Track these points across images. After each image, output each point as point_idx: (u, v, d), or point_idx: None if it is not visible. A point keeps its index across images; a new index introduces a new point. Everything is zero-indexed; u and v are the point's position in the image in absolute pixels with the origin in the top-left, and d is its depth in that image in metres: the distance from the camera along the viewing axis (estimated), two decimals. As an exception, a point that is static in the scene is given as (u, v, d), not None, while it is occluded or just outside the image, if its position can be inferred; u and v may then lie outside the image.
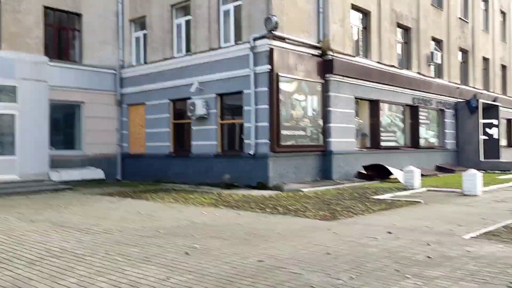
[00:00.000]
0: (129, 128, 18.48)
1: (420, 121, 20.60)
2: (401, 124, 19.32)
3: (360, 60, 17.17)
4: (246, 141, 14.51)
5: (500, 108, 25.40)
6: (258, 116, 14.13)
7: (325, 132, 15.76)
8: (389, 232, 7.00)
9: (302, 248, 6.05)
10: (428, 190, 13.53)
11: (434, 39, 22.09)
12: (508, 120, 29.28)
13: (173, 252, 5.90)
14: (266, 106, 14.00)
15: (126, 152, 18.49)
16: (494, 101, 25.33)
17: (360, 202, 10.67)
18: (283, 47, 14.32)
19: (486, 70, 27.48)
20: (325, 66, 15.69)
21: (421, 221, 8.04)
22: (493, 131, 24.48)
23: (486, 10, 27.62)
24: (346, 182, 15.51)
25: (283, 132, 14.16)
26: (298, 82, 14.78)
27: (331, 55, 15.68)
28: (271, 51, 13.91)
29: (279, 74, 14.04)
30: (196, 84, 15.44)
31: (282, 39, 14.28)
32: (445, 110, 22.75)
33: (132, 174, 17.80)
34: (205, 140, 15.57)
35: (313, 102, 15.38)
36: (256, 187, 13.97)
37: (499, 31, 29.23)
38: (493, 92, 27.45)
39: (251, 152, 14.15)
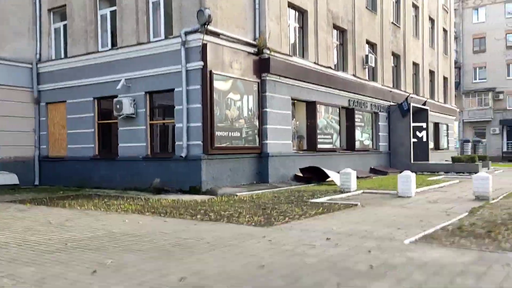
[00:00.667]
0: (48, 129, 16.81)
1: (356, 123, 20.70)
2: (337, 127, 19.24)
3: (297, 60, 16.83)
4: (177, 142, 13.57)
5: (429, 112, 26.31)
6: (190, 116, 13.25)
7: (262, 133, 15.19)
8: (328, 239, 6.44)
9: (233, 260, 5.30)
10: (364, 192, 13.34)
11: (368, 42, 22.37)
12: (436, 124, 30.51)
13: (77, 271, 4.91)
14: (199, 106, 13.17)
15: (45, 155, 16.80)
16: (423, 105, 26.20)
17: (297, 206, 10.14)
18: (217, 43, 13.57)
19: (416, 74, 28.45)
20: (262, 65, 15.14)
21: (360, 225, 7.60)
22: (423, 134, 25.28)
23: (416, 16, 28.62)
24: (282, 185, 15.03)
25: (217, 133, 13.39)
26: (233, 81, 14.09)
27: (268, 54, 15.16)
28: (204, 46, 13.11)
29: (213, 71, 13.26)
30: (123, 81, 14.26)
31: (216, 34, 13.52)
32: (379, 113, 23.12)
33: (52, 179, 16.17)
34: (133, 142, 14.43)
35: (249, 102, 14.76)
36: (188, 191, 13.08)
37: (428, 37, 30.43)
38: (423, 96, 28.46)
39: (183, 154, 13.23)
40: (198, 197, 12.05)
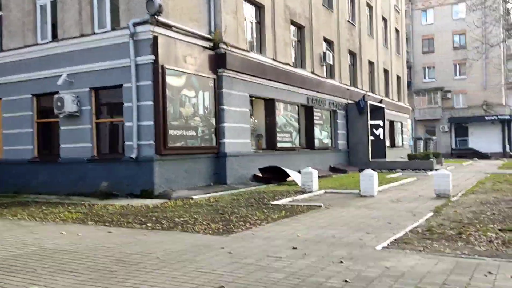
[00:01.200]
0: (-18, 129, 15.23)
1: (315, 121, 20.32)
2: (296, 125, 18.76)
3: (255, 56, 16.16)
4: (127, 142, 12.54)
5: (385, 110, 26.46)
6: (141, 114, 12.26)
7: (219, 132, 14.41)
8: (294, 247, 5.78)
9: (186, 280, 4.52)
10: (326, 192, 12.88)
11: (326, 39, 22.08)
12: (391, 122, 30.84)
13: (-8, 302, 3.97)
14: (150, 103, 12.21)
15: (-22, 159, 15.22)
16: (380, 103, 26.31)
17: (258, 209, 9.45)
18: (169, 36, 12.65)
19: (371, 73, 28.57)
20: (218, 60, 14.35)
21: (327, 230, 7.01)
22: (380, 132, 25.36)
23: (370, 16, 28.76)
24: (241, 186, 14.31)
25: (171, 132, 12.48)
26: (188, 77, 13.22)
27: (224, 49, 14.40)
28: (155, 39, 12.16)
29: (165, 66, 12.33)
30: (65, 76, 13.04)
31: (168, 26, 12.60)
32: (337, 111, 22.90)
33: (-13, 184, 14.63)
34: (77, 142, 13.23)
35: (205, 99, 13.93)
36: (139, 195, 12.09)
37: (382, 37, 30.70)
38: (378, 94, 28.63)
39: (133, 155, 12.22)
40: (150, 202, 11.11)
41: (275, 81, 17.13)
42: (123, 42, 12.35)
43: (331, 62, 21.68)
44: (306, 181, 12.90)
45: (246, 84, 15.58)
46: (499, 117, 44.28)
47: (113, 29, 12.98)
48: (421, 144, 39.50)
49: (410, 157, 22.70)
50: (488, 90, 45.77)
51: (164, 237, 6.82)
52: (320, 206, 9.75)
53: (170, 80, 12.50)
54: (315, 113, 20.31)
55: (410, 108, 38.61)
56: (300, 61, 19.93)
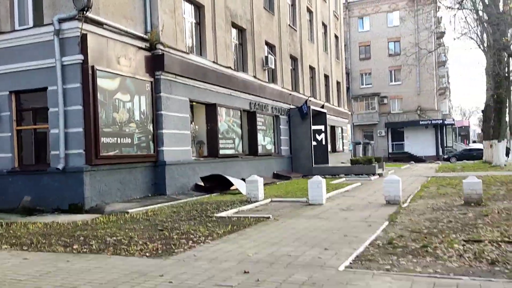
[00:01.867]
0: None
1: (258, 127, 19.76)
2: (239, 131, 18.07)
3: (195, 58, 15.29)
4: (53, 152, 11.20)
5: (327, 115, 26.50)
6: (69, 120, 11.01)
7: (157, 139, 13.38)
8: (246, 272, 5.02)
9: (115, 324, 3.61)
10: (273, 201, 12.26)
11: (267, 43, 21.65)
12: (332, 127, 31.05)
13: None
14: (79, 107, 11.00)
15: None
16: (321, 108, 26.31)
17: (201, 223, 8.61)
18: (100, 34, 11.51)
19: (312, 78, 28.61)
20: (155, 62, 13.35)
21: (280, 247, 6.32)
22: (322, 137, 25.31)
23: (311, 21, 28.83)
24: (182, 197, 13.36)
25: (104, 139, 11.31)
26: (122, 79, 12.11)
27: (162, 50, 13.42)
28: (84, 37, 10.98)
29: (96, 67, 11.18)
30: (-22, 77, 11.48)
31: (99, 24, 11.46)
32: (280, 116, 22.51)
33: None
34: (-6, 153, 11.67)
35: (141, 104, 12.86)
36: (67, 211, 10.83)
37: (322, 42, 30.92)
38: (319, 100, 28.70)
39: (60, 166, 10.93)
40: (80, 218, 9.89)
41: (216, 85, 16.36)
42: (48, 40, 11.07)
43: (273, 67, 21.27)
44: (251, 190, 12.20)
45: (186, 88, 14.67)
46: (433, 121, 46.37)
47: (36, 25, 11.62)
48: (360, 148, 40.40)
49: (352, 162, 22.79)
50: (421, 95, 47.85)
51: (91, 263, 5.80)
52: (268, 218, 9.08)
53: (101, 82, 11.34)
54: (258, 119, 19.76)
55: (350, 113, 39.32)
56: (242, 65, 19.31)
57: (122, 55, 12.18)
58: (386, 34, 49.70)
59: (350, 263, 5.32)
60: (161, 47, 13.38)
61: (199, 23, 16.19)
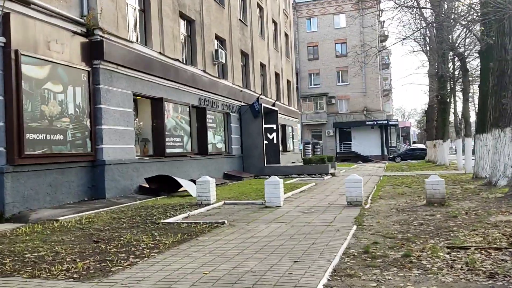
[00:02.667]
0: None
1: (208, 124, 18.60)
2: (188, 128, 16.83)
3: (139, 47, 13.93)
4: (-33, 150, 9.50)
5: (278, 113, 25.80)
6: (-13, 112, 9.37)
7: (95, 136, 11.92)
8: (202, 298, 3.96)
9: None
10: (226, 204, 11.22)
11: (217, 37, 20.57)
12: (282, 126, 30.43)
13: None
14: (0, 98, 9.39)
15: None
16: (273, 106, 25.57)
17: (146, 232, 7.41)
18: (27, 15, 9.95)
19: (263, 75, 27.83)
20: (93, 49, 11.90)
21: (241, 260, 5.29)
22: (273, 136, 24.57)
23: (261, 17, 28.06)
24: (125, 200, 11.99)
25: (29, 136, 9.75)
26: (53, 67, 10.58)
27: (100, 36, 11.98)
28: (6, 16, 9.41)
29: (21, 52, 9.62)
30: None
31: (25, 2, 9.89)
32: (231, 113, 21.48)
33: None
34: None
35: (76, 96, 11.36)
36: (-16, 219, 9.17)
37: (272, 40, 30.24)
38: (271, 98, 27.98)
39: (-25, 166, 9.26)
40: (-2, 228, 8.35)
41: (163, 78, 15.07)
42: (-41, 17, 9.36)
43: (223, 61, 20.20)
44: (202, 192, 11.08)
45: (129, 80, 13.29)
46: (378, 122, 47.16)
47: None
48: (309, 148, 40.19)
49: (305, 161, 22.19)
50: (367, 96, 48.60)
51: (0, 290, 4.49)
52: (223, 223, 8.03)
53: (27, 70, 9.78)
54: (208, 116, 18.61)
55: (300, 112, 39.02)
56: (191, 58, 18.10)
57: (53, 39, 10.65)
58: (333, 36, 50.08)
59: (328, 279, 4.41)
60: (100, 33, 11.93)
61: (144, 10, 14.83)
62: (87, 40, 11.82)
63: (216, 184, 16.47)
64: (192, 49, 18.16)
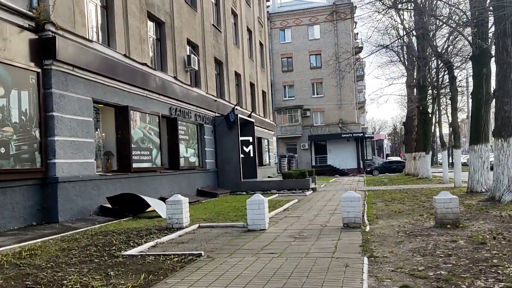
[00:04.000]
0: None
1: (180, 136, 16.93)
2: (157, 140, 15.13)
3: (101, 48, 12.25)
4: None
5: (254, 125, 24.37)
6: None
7: (46, 149, 10.13)
8: None
9: None
10: (201, 227, 9.60)
11: (190, 42, 19.05)
12: (258, 139, 29.00)
13: None
14: None
15: None
16: (249, 117, 24.12)
17: (99, 270, 5.74)
18: (-43, 0, 8.18)
19: (238, 85, 26.41)
20: (44, 48, 10.17)
21: (228, 320, 3.72)
22: (250, 149, 23.08)
23: (236, 24, 26.75)
24: (81, 224, 10.19)
25: (-41, 148, 7.92)
26: (-8, 66, 8.81)
27: (53, 32, 10.28)
28: None
29: (-51, 45, 7.83)
30: None
31: (-45, -15, 8.14)
32: (204, 125, 19.89)
33: None
34: None
35: (22, 101, 9.59)
36: None
37: (247, 48, 28.95)
38: (246, 109, 26.54)
39: None
40: None
41: (129, 84, 13.41)
42: None
43: (196, 68, 18.66)
44: (173, 213, 9.42)
45: (88, 85, 11.57)
46: (354, 135, 46.39)
47: None
48: (285, 161, 38.84)
49: (284, 175, 20.75)
50: (342, 109, 47.87)
51: None
52: (199, 256, 6.43)
53: (-43, 67, 7.99)
54: (179, 127, 16.96)
55: (275, 124, 37.73)
56: (161, 63, 16.49)
57: (-7, 33, 8.90)
58: (308, 47, 49.35)
59: None
60: (52, 28, 10.22)
61: (106, 7, 13.18)
62: (37, 37, 10.10)
63: (190, 202, 14.85)
64: (162, 53, 16.56)
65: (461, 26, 16.11)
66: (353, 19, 51.32)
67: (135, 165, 13.34)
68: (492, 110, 15.55)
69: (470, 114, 15.86)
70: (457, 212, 8.26)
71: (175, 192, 15.90)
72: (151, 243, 7.57)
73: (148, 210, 11.86)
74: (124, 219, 11.15)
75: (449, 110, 31.11)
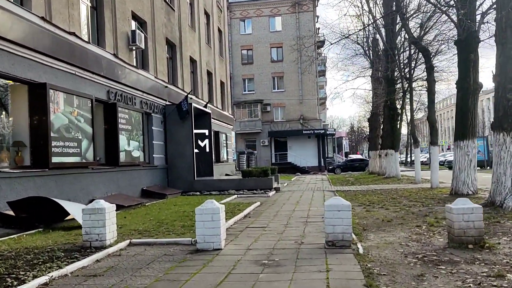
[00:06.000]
0: None
1: (120, 126, 14.09)
2: (89, 129, 12.26)
3: (8, 6, 9.29)
4: None
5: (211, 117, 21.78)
6: None
7: None
8: None
9: None
10: (132, 244, 7.04)
11: (135, 16, 16.21)
12: (216, 133, 26.42)
13: None
14: None
15: None
16: (205, 107, 21.51)
17: None
18: None
19: (194, 73, 23.70)
20: None
21: None
22: (205, 143, 20.49)
23: (192, 5, 24.01)
24: (-37, 240, 7.31)
25: None
26: None
27: None
28: None
29: None
30: None
31: None
32: (152, 114, 17.11)
33: None
34: None
35: None
36: None
37: (205, 33, 26.27)
38: (202, 99, 23.88)
39: None
40: None
41: (50, 56, 10.52)
42: None
43: (143, 47, 15.86)
44: (92, 226, 6.76)
45: (-14, 51, 8.64)
46: (315, 131, 44.65)
47: None
48: (244, 158, 36.48)
49: (244, 173, 18.32)
50: (304, 104, 46.04)
51: None
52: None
53: None
54: (120, 114, 14.12)
55: (234, 118, 35.26)
56: (97, 36, 13.62)
57: None
58: (269, 40, 47.11)
59: None
60: None
61: (20, -45, 10.23)
62: None
63: (129, 206, 12.15)
64: (99, 24, 13.68)
65: (446, 6, 14.29)
66: (315, 13, 49.77)
67: (55, 159, 10.45)
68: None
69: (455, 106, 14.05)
70: (481, 227, 6.11)
71: (113, 193, 13.15)
72: (44, 279, 4.93)
73: (67, 218, 9.08)
74: (31, 231, 8.32)
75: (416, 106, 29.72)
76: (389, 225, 8.36)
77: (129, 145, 14.76)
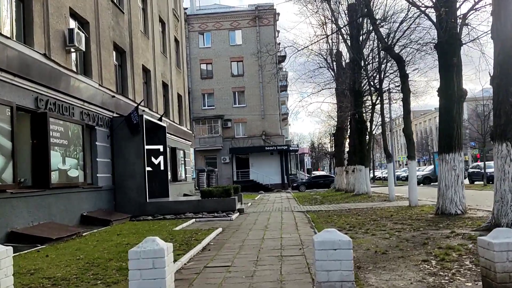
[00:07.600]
0: None
1: (52, 140, 11.72)
2: (7, 144, 9.89)
3: None
4: None
5: (166, 131, 19.62)
6: None
7: None
8: None
9: None
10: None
11: (74, 14, 14.03)
12: (172, 149, 24.19)
13: None
14: None
15: None
16: (159, 120, 19.34)
17: None
18: None
19: (147, 83, 21.52)
20: None
21: None
22: (160, 160, 18.30)
23: (145, 10, 21.98)
24: None
25: None
26: None
27: None
28: None
29: None
30: None
31: None
32: (96, 127, 14.79)
33: None
34: None
35: None
36: None
37: (160, 42, 24.21)
38: (157, 112, 21.68)
39: None
40: None
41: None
42: None
43: (83, 48, 13.65)
44: (-24, 282, 4.54)
45: None
46: (278, 148, 43.10)
47: None
48: (204, 177, 34.23)
49: (204, 194, 16.18)
50: (266, 120, 44.52)
51: None
52: None
53: None
54: (52, 126, 11.77)
55: (193, 134, 33.09)
56: (24, 32, 11.34)
57: None
58: (229, 54, 45.52)
59: None
60: None
61: None
62: None
63: (57, 239, 9.81)
64: (26, 19, 11.41)
65: (424, 6, 13.05)
66: (276, 27, 48.75)
67: (-46, 182, 8.06)
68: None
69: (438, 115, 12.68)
70: (530, 268, 4.41)
71: (41, 222, 10.73)
72: None
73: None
74: None
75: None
76: (386, 259, 6.58)
77: (64, 163, 12.38)
